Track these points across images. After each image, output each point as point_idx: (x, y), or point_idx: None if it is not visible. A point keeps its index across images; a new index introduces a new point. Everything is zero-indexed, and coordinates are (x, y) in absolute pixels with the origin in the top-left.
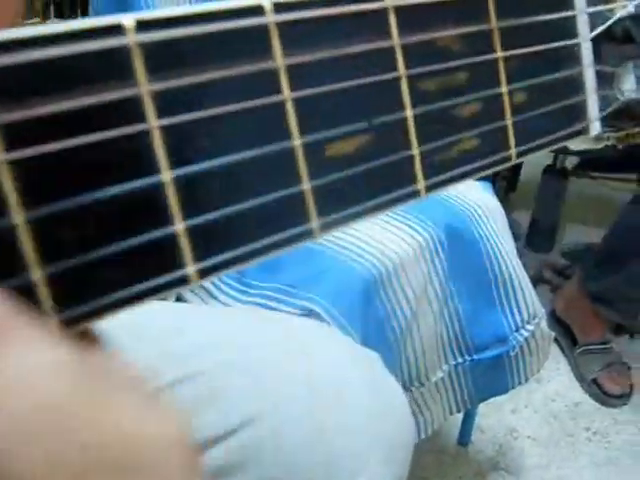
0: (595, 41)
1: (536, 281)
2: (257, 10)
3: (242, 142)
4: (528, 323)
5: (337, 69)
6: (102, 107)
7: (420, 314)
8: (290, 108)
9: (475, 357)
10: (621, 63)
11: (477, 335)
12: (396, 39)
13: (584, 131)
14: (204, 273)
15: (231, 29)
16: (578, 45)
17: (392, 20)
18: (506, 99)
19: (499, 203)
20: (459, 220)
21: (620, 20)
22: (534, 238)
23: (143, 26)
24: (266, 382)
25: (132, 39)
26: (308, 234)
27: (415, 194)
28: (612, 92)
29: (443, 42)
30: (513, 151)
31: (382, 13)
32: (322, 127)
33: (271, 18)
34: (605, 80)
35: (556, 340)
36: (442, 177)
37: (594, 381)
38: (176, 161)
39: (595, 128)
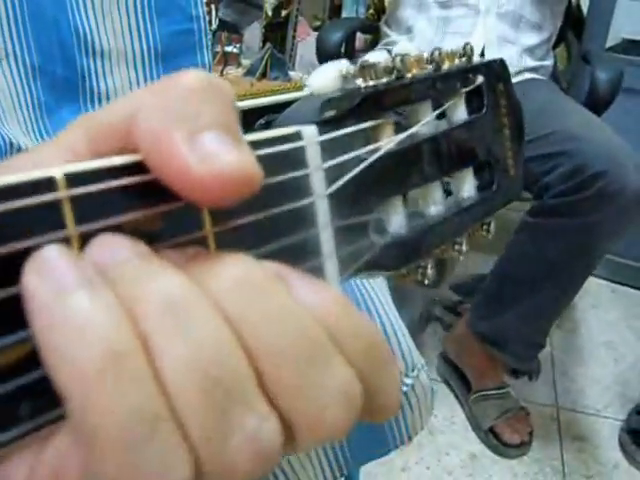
0: (338, 194)
1: (426, 319)
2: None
3: None
4: (406, 376)
5: None
6: None
7: None
8: None
9: None
10: (382, 204)
11: None
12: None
13: None
14: None
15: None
16: (312, 204)
17: None
18: None
19: None
20: None
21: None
22: None
23: None
24: None
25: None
26: None
27: None
28: (366, 240)
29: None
30: None
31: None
32: None
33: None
34: (356, 232)
35: (449, 386)
36: None
37: (491, 430)
38: None
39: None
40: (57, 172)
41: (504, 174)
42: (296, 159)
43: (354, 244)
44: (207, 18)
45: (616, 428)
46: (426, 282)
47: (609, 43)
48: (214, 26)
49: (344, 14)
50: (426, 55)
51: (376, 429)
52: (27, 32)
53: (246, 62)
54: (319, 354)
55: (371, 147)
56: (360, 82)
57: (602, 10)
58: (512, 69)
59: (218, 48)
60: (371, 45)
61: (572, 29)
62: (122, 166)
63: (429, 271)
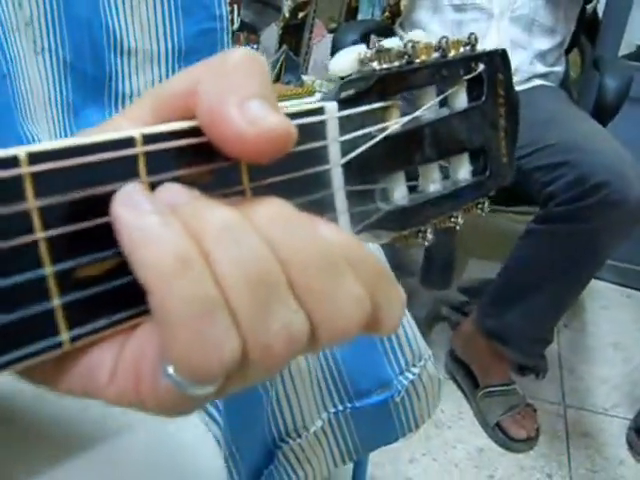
0: (350, 164)
1: (434, 319)
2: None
3: None
4: (413, 365)
5: None
6: None
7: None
8: None
9: (357, 404)
10: (386, 177)
11: (358, 380)
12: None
13: None
14: None
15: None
16: (328, 171)
17: None
18: None
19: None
20: None
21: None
22: (429, 274)
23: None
24: None
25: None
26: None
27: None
28: (373, 205)
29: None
30: None
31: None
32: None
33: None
34: (364, 197)
35: (457, 382)
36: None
37: (498, 425)
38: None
39: None
40: (136, 132)
41: (497, 161)
42: (317, 131)
43: (363, 206)
44: (229, 17)
45: (624, 427)
46: (426, 244)
47: (623, 50)
48: (236, 26)
49: (360, 16)
50: (434, 42)
51: (384, 417)
52: (62, 29)
53: None
54: (338, 271)
55: (380, 126)
56: (375, 65)
57: (617, 16)
58: (521, 75)
59: None
60: None
61: (586, 34)
62: (183, 130)
63: (429, 235)
